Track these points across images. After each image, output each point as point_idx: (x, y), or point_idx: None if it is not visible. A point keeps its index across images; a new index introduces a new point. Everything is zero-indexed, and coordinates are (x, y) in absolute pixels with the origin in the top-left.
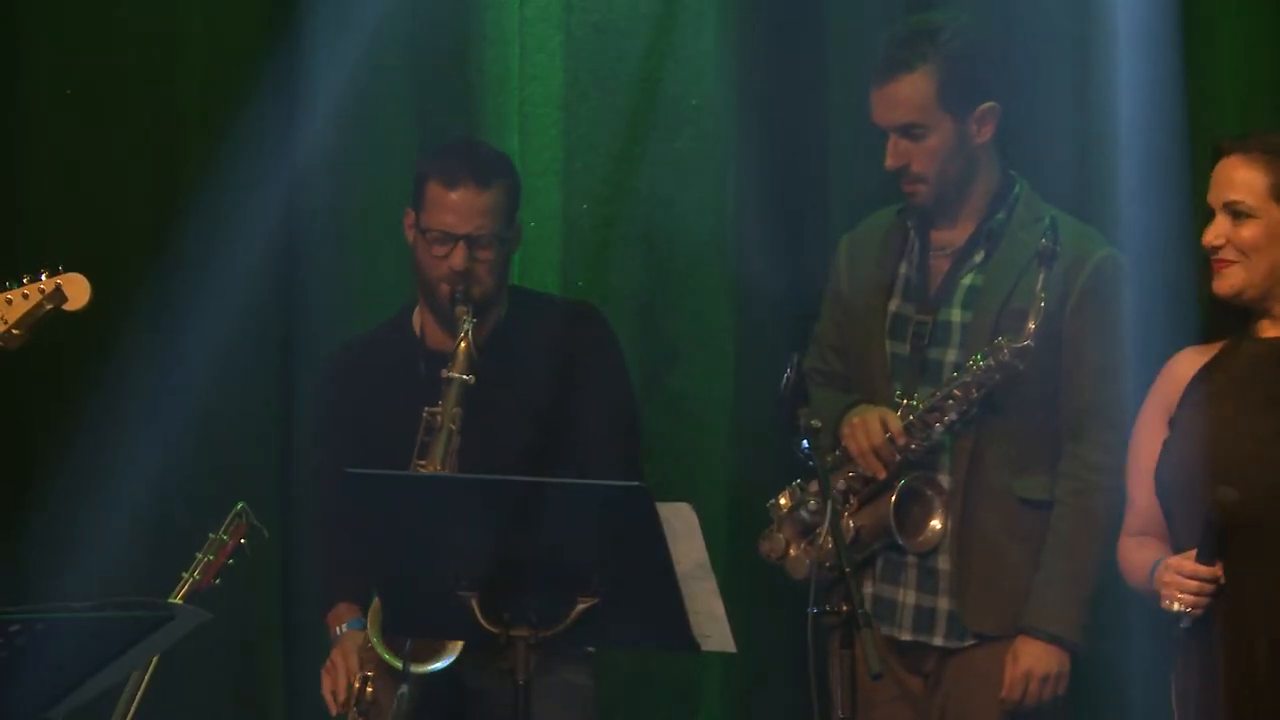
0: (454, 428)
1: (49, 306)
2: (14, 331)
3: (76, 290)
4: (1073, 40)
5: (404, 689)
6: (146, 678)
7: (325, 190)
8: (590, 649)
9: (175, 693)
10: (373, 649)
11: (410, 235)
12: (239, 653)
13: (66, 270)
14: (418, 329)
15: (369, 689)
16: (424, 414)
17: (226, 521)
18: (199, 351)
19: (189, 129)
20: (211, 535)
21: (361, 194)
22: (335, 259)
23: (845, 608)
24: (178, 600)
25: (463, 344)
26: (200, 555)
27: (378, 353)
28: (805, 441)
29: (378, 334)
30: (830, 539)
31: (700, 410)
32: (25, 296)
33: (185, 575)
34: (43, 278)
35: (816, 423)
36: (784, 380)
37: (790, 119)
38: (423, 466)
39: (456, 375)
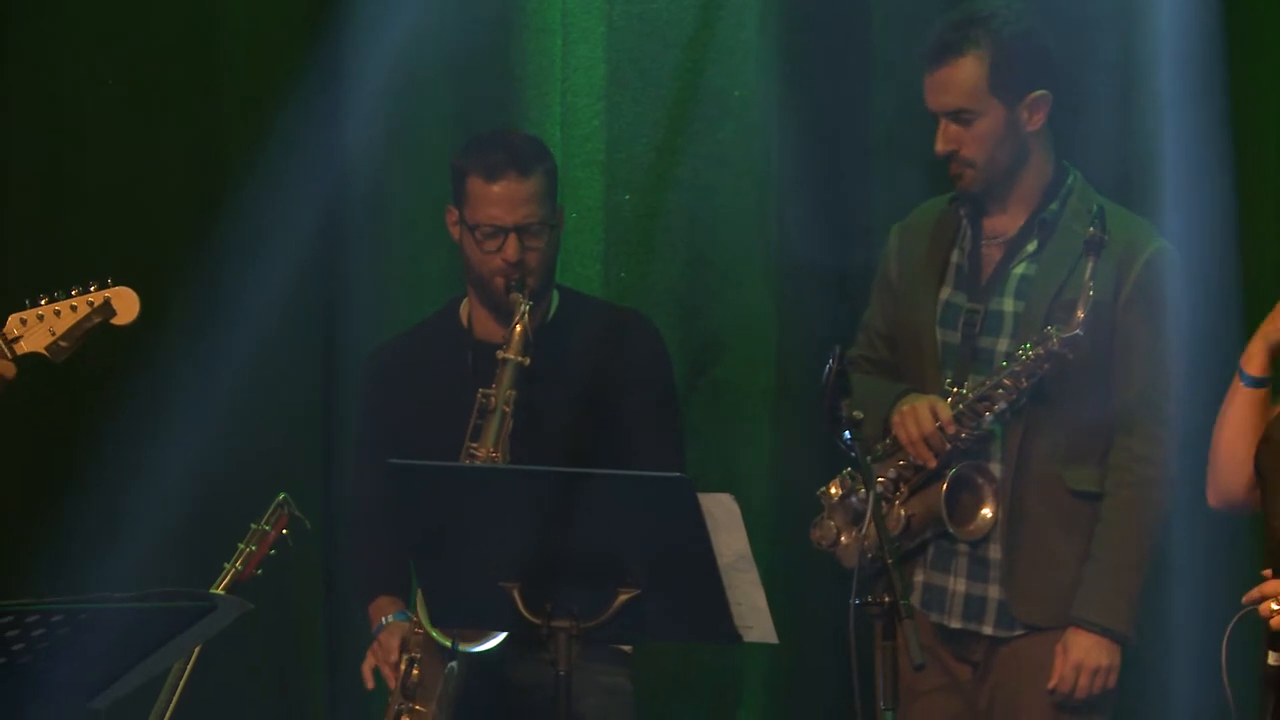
0: (508, 410)
1: (97, 320)
2: (61, 344)
3: (126, 304)
4: (1116, 33)
5: (452, 665)
6: (189, 668)
7: (368, 183)
8: (627, 649)
9: (217, 683)
10: (420, 633)
11: (455, 232)
12: (281, 643)
13: (116, 283)
14: (465, 320)
15: (415, 671)
16: (478, 396)
17: (268, 512)
18: (242, 343)
19: (231, 123)
20: (253, 526)
21: (404, 187)
22: (378, 251)
23: (887, 599)
24: (220, 590)
25: (518, 326)
26: (242, 546)
27: (424, 345)
28: (848, 433)
29: (424, 327)
30: (873, 530)
31: (742, 401)
32: (74, 309)
33: (227, 566)
34: (91, 289)
35: (859, 414)
36: (826, 371)
37: (833, 109)
38: (475, 449)
39: (512, 357)
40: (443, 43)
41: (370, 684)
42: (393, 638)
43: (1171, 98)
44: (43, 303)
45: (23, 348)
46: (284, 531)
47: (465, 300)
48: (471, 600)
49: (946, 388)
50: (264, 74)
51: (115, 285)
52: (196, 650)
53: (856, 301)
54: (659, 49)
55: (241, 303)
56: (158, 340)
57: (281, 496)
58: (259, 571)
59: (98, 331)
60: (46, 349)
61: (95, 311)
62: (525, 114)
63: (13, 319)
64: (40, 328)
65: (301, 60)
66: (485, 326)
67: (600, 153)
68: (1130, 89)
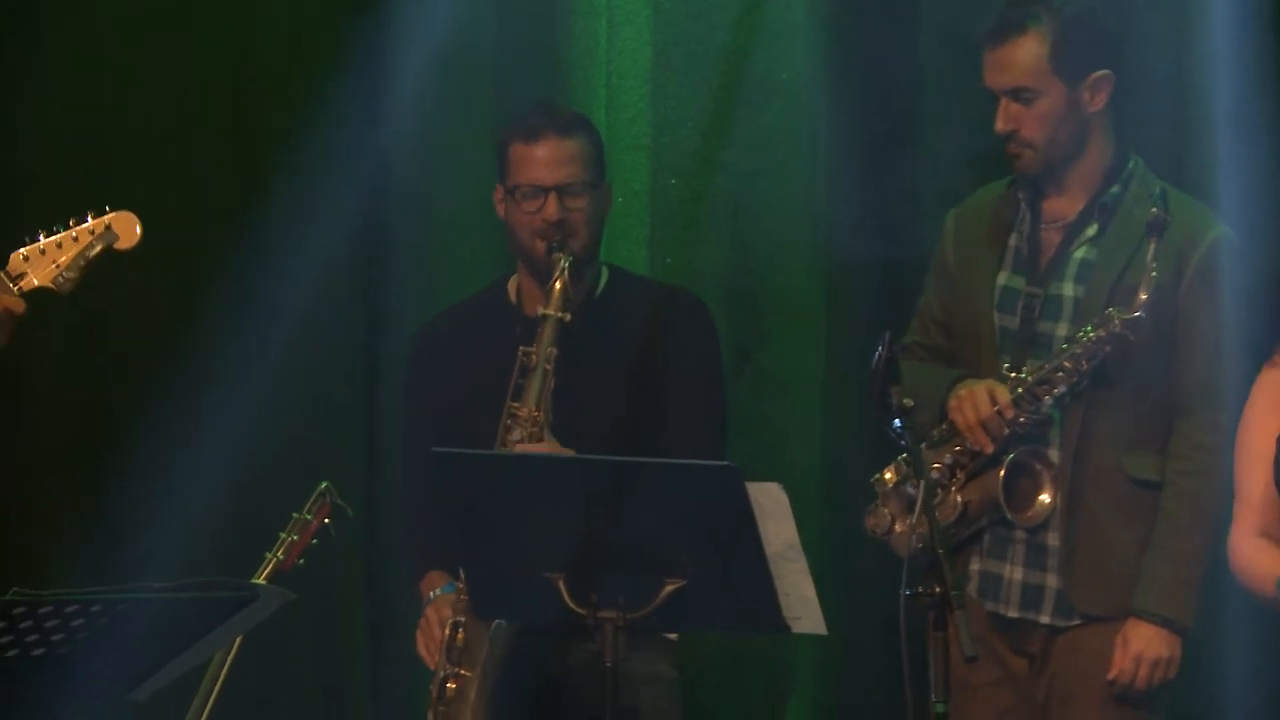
0: (549, 368)
1: (99, 247)
2: (66, 276)
3: (126, 227)
4: (1170, 16)
5: (500, 622)
6: (230, 659)
7: (410, 171)
8: (673, 637)
9: (259, 674)
10: (464, 598)
11: (501, 209)
12: (323, 634)
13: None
14: (513, 296)
15: (460, 635)
16: (519, 354)
17: (310, 501)
18: (283, 329)
19: (271, 110)
20: (295, 515)
21: (446, 169)
22: (420, 238)
23: (938, 589)
24: (261, 580)
25: (558, 283)
26: (284, 535)
27: (471, 320)
28: (898, 420)
29: (471, 303)
30: (924, 519)
31: (790, 388)
32: (75, 239)
33: (269, 555)
34: (89, 219)
35: (909, 401)
36: (875, 358)
37: (881, 92)
38: (517, 409)
39: (552, 312)
40: (486, 26)
41: (431, 662)
42: (439, 612)
43: (1226, 78)
44: (42, 238)
45: (29, 283)
46: (326, 521)
47: (514, 277)
48: (516, 591)
49: (1005, 373)
50: (304, 62)
51: (114, 211)
52: (238, 641)
53: (905, 286)
54: (705, 31)
55: (284, 291)
56: (200, 329)
57: (324, 485)
58: (301, 561)
59: (102, 259)
60: (53, 282)
61: (97, 239)
62: (570, 98)
63: (15, 257)
64: (44, 262)
65: (342, 41)
66: (533, 301)
67: (645, 137)
68: (1183, 70)
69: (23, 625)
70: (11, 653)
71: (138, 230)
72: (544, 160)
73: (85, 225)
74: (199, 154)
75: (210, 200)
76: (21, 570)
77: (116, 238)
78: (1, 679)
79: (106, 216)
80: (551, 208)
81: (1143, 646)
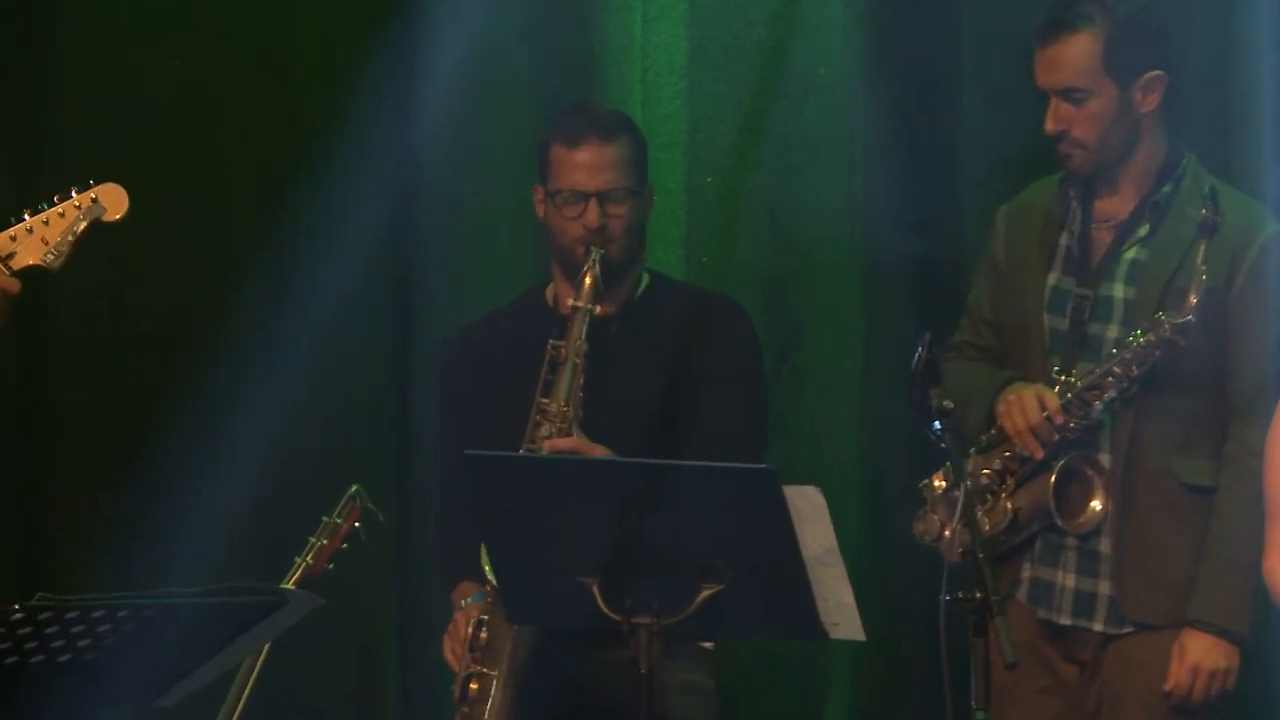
0: (579, 362)
1: (86, 221)
2: (55, 252)
3: (114, 199)
4: (1215, 10)
5: None
6: (259, 665)
7: (442, 168)
8: (709, 646)
9: (289, 680)
10: (490, 597)
11: (541, 210)
12: (354, 639)
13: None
14: (550, 301)
15: (483, 634)
16: (548, 348)
17: (340, 504)
18: (313, 330)
19: (302, 105)
20: (325, 519)
21: (480, 171)
22: (453, 237)
23: (979, 594)
24: (290, 586)
25: (588, 276)
26: (314, 539)
27: (507, 325)
28: (938, 423)
29: (507, 308)
30: (964, 525)
31: (829, 388)
32: (62, 215)
33: (298, 560)
34: (73, 194)
35: (949, 403)
36: (915, 359)
37: (921, 88)
38: (546, 405)
39: (583, 305)
40: (519, 20)
41: (456, 666)
42: (467, 617)
43: (1273, 70)
44: (27, 216)
45: (19, 262)
46: (356, 525)
47: (551, 284)
48: (549, 596)
49: (1054, 375)
50: (336, 57)
51: (99, 183)
52: (267, 647)
53: (946, 284)
54: (742, 25)
55: (314, 291)
56: (228, 331)
57: (354, 489)
58: (330, 566)
59: (91, 232)
60: (42, 259)
61: (84, 213)
62: (604, 93)
63: (2, 237)
64: (32, 240)
65: (376, 34)
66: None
67: (681, 133)
68: (1228, 64)
69: (48, 631)
70: (37, 659)
71: (125, 202)
72: (585, 165)
73: (71, 200)
74: (229, 154)
75: (240, 201)
76: (48, 575)
77: (104, 210)
78: (28, 686)
79: (92, 190)
80: (592, 214)
81: (1200, 657)
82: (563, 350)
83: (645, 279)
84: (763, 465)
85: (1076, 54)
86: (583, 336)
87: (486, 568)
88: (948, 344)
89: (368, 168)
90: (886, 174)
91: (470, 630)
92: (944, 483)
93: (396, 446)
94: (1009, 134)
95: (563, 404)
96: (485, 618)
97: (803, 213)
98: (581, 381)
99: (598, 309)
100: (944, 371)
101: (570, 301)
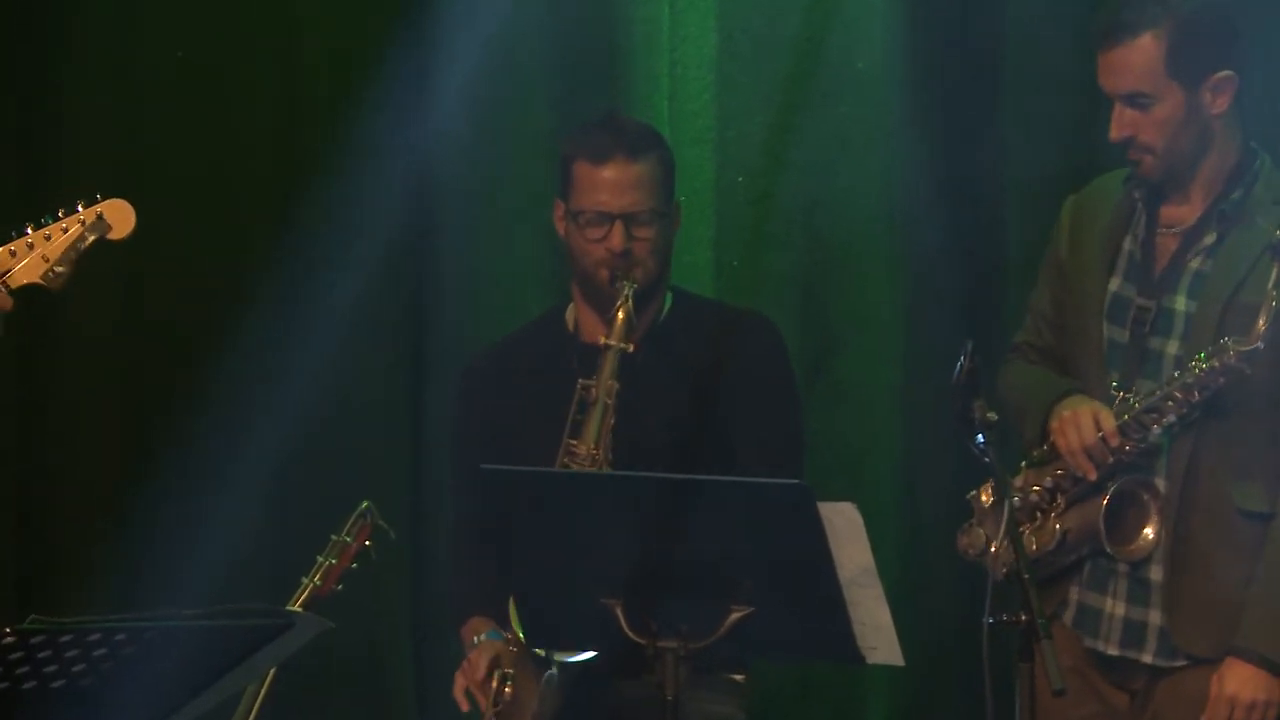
0: (610, 402)
1: (91, 238)
2: (56, 270)
3: (119, 216)
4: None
5: (552, 672)
6: (263, 692)
7: (461, 166)
8: (740, 678)
9: (298, 707)
10: (515, 649)
11: (561, 228)
12: (366, 664)
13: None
14: (570, 325)
15: (508, 688)
16: (577, 388)
17: (350, 522)
18: (326, 342)
19: (317, 103)
20: (334, 537)
21: (501, 169)
22: (471, 240)
23: (1024, 617)
24: (297, 607)
25: (620, 313)
26: (322, 559)
27: (526, 350)
28: (981, 436)
29: (525, 332)
30: (1008, 543)
31: (866, 399)
32: (65, 230)
33: (305, 580)
34: (79, 209)
35: (993, 415)
36: (958, 369)
37: (963, 84)
38: (575, 446)
39: (615, 343)
40: (541, 12)
41: (465, 706)
42: (482, 656)
43: None
44: (29, 231)
45: (17, 279)
46: (366, 543)
47: (571, 306)
48: (570, 618)
49: (1112, 391)
50: (352, 52)
51: (106, 199)
52: (271, 673)
53: (989, 290)
54: (774, 17)
55: (326, 300)
56: (237, 341)
57: (364, 505)
58: (339, 586)
59: (94, 250)
60: (42, 277)
61: (89, 229)
62: (630, 88)
63: (1, 252)
64: (33, 256)
65: (393, 31)
66: (591, 330)
67: (711, 130)
68: None
69: (41, 655)
70: (29, 685)
71: (132, 219)
72: (611, 185)
73: (75, 215)
74: (242, 162)
75: (255, 206)
76: (52, 592)
77: (109, 228)
78: (19, 713)
79: (98, 205)
80: (617, 238)
81: (1238, 687)
82: (593, 390)
83: (669, 299)
84: (796, 481)
85: (1140, 57)
86: (614, 376)
87: (516, 624)
88: (1008, 343)
89: (385, 166)
90: (927, 174)
91: (496, 685)
92: (990, 497)
93: (411, 460)
94: (1057, 130)
95: (592, 446)
96: (510, 671)
97: (838, 214)
98: (612, 423)
99: (630, 348)
100: (1002, 371)
101: (602, 339)
